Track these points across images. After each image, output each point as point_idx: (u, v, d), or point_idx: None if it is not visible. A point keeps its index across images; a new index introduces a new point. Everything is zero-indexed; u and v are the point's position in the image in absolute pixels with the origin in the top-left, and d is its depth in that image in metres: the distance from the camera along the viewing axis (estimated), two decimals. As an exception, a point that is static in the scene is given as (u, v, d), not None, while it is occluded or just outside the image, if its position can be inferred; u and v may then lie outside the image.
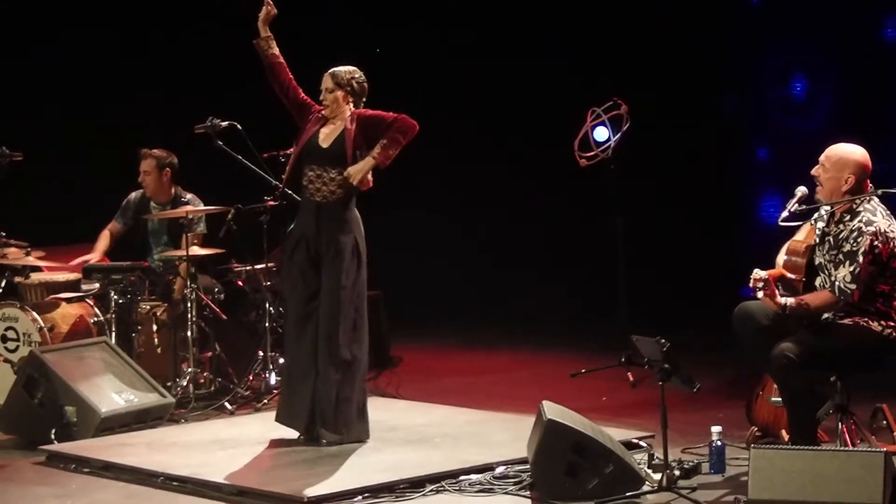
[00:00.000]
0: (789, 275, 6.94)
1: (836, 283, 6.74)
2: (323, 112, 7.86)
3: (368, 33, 12.95)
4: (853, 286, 6.71)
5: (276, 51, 7.89)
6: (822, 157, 6.91)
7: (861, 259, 6.70)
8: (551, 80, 12.49)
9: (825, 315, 6.87)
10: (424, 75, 12.90)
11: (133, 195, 9.83)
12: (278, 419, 7.85)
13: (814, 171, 6.92)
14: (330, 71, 7.88)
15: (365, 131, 7.80)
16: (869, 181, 6.87)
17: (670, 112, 12.00)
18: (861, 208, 6.81)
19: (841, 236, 6.81)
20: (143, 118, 11.50)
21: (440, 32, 13.02)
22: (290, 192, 8.91)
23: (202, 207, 9.62)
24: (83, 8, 11.89)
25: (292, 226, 7.96)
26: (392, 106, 8.20)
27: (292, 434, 7.83)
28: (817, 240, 6.98)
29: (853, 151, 6.88)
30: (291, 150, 9.10)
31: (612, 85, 10.45)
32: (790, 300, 6.74)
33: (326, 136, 7.81)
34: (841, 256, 6.78)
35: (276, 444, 7.75)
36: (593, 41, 12.36)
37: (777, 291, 6.71)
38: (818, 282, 6.94)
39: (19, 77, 11.64)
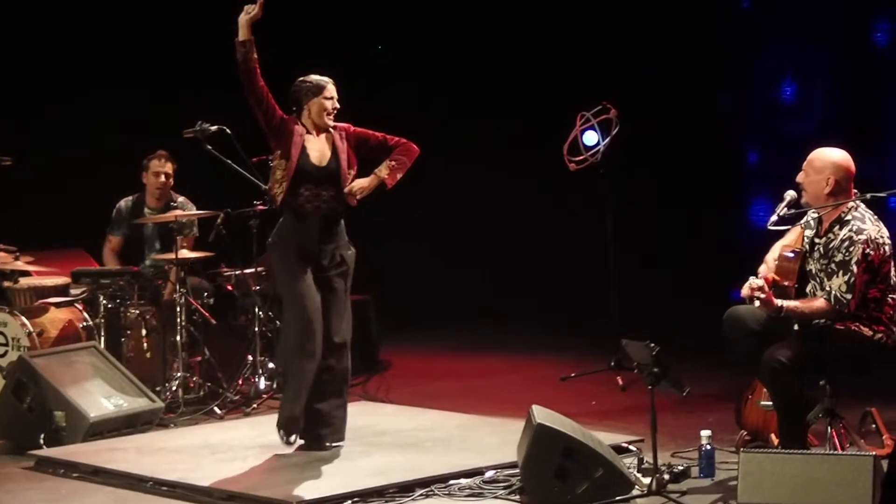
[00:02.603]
0: (780, 280, 6.92)
1: (832, 292, 6.74)
2: (328, 120, 7.67)
3: (363, 34, 12.96)
4: (849, 296, 6.71)
5: (256, 56, 7.56)
6: (804, 163, 6.92)
7: (855, 268, 6.70)
8: (541, 83, 12.50)
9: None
10: (420, 76, 12.90)
11: (122, 204, 9.80)
12: (293, 432, 7.72)
13: (798, 178, 6.93)
14: (328, 79, 7.74)
15: (357, 150, 7.76)
16: (853, 185, 6.87)
17: (661, 115, 12.01)
18: (849, 216, 6.81)
19: (831, 245, 6.81)
20: (136, 120, 11.48)
21: (436, 32, 13.02)
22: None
23: (193, 211, 9.62)
24: (80, 9, 11.87)
25: (279, 239, 7.70)
26: (388, 107, 8.20)
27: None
28: (807, 247, 6.98)
29: (833, 154, 6.89)
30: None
31: (602, 89, 10.44)
32: (787, 302, 6.74)
33: (319, 155, 7.66)
34: (833, 266, 6.78)
35: (266, 448, 7.73)
36: (584, 45, 12.38)
37: (772, 294, 6.71)
38: (808, 288, 6.94)
39: (13, 79, 11.62)
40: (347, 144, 7.72)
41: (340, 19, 12.80)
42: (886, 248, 6.78)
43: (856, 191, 6.88)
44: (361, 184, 7.69)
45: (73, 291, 9.45)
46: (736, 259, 7.87)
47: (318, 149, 7.67)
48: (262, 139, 8.96)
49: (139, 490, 7.18)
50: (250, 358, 9.48)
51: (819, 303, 6.81)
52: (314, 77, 7.71)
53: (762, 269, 7.04)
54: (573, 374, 9.92)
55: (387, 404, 9.30)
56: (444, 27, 13.09)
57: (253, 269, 9.62)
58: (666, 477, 6.76)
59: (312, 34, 12.22)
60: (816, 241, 6.93)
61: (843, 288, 6.72)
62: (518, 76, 12.76)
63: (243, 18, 7.51)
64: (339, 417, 7.75)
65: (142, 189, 9.80)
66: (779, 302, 6.70)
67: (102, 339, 9.15)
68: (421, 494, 6.81)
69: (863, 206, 6.86)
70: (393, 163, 7.74)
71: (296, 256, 7.63)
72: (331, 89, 7.70)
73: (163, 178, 9.68)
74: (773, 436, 7.18)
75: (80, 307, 9.30)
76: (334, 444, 7.70)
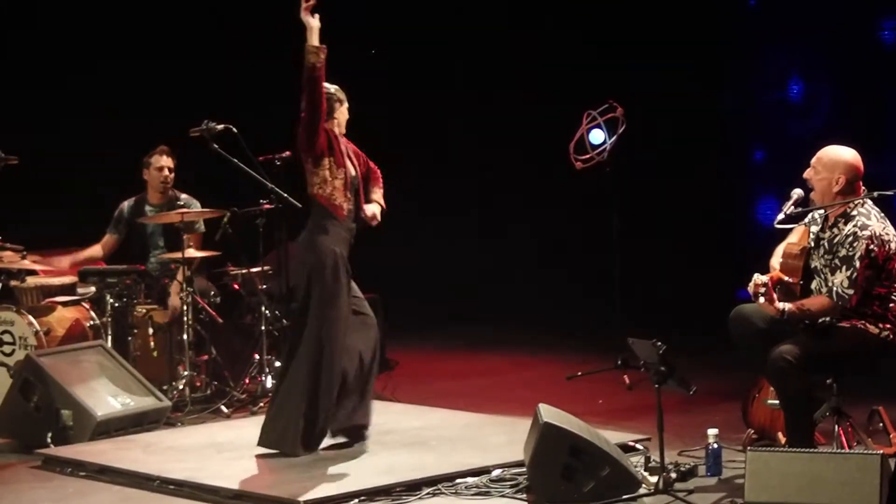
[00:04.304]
0: (786, 278, 6.93)
1: (834, 288, 6.74)
2: (341, 131, 7.73)
3: (361, 34, 12.96)
4: (850, 291, 6.72)
5: None
6: (813, 160, 6.92)
7: (858, 264, 6.70)
8: (547, 81, 12.50)
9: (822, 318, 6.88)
10: (420, 77, 12.90)
11: (125, 204, 9.82)
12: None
13: (806, 174, 6.94)
14: None
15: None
16: (861, 184, 6.88)
17: (667, 114, 12.00)
18: (855, 212, 6.82)
19: (836, 241, 6.82)
20: (141, 120, 11.48)
21: (438, 33, 13.02)
22: (287, 196, 8.93)
23: (198, 209, 9.63)
24: (78, 10, 11.88)
25: (328, 245, 7.55)
26: (389, 109, 8.20)
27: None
28: (812, 243, 6.98)
29: (844, 152, 6.89)
30: (287, 153, 9.10)
31: (608, 87, 10.45)
32: (788, 305, 6.74)
33: (352, 162, 7.74)
34: (837, 261, 6.78)
35: (272, 447, 7.75)
36: (590, 43, 12.37)
37: (775, 296, 6.71)
38: (814, 285, 6.94)
39: (17, 78, 11.63)
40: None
41: (341, 19, 12.81)
42: (892, 245, 6.78)
43: (864, 188, 6.88)
44: (376, 211, 7.80)
45: (79, 290, 9.47)
46: (742, 258, 7.86)
47: (349, 157, 7.73)
48: (267, 139, 8.99)
49: (146, 489, 7.19)
50: (257, 356, 9.48)
51: (821, 300, 6.81)
52: (330, 85, 7.69)
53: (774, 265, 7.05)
54: (579, 373, 9.92)
55: (393, 403, 9.30)
56: (447, 27, 13.08)
57: (259, 269, 9.63)
58: (673, 475, 6.76)
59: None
60: (821, 236, 6.93)
61: (845, 283, 6.73)
62: (522, 75, 12.75)
63: (314, 23, 7.42)
64: None
65: (143, 188, 9.82)
66: (780, 305, 6.71)
67: (109, 337, 9.17)
68: (428, 493, 6.81)
69: (870, 202, 6.86)
70: (381, 191, 7.90)
71: (337, 274, 7.55)
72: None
73: (165, 171, 9.70)
74: (779, 434, 7.18)
75: (87, 306, 9.32)
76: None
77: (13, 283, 9.33)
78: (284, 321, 9.53)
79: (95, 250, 9.75)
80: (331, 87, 7.66)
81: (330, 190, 7.55)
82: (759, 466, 6.23)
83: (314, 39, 7.43)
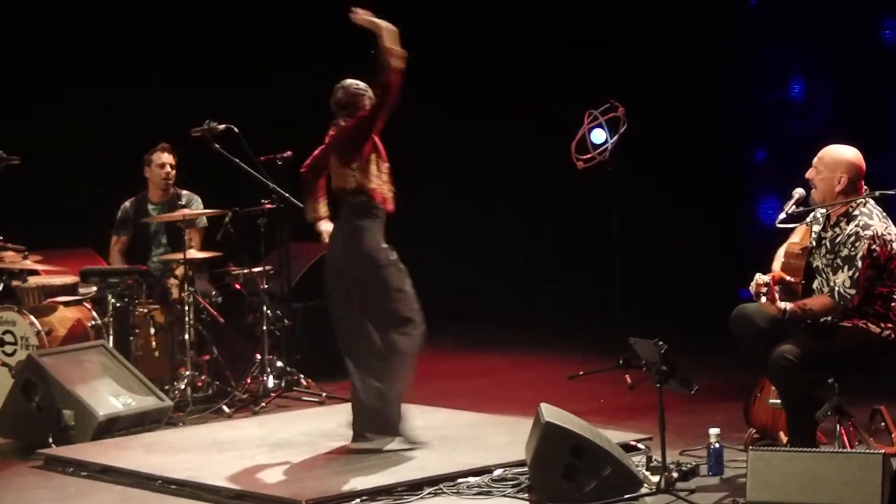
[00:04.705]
0: (788, 277, 6.93)
1: (836, 288, 6.74)
2: None
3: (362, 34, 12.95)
4: (852, 291, 6.71)
5: None
6: (815, 159, 6.93)
7: (860, 264, 6.70)
8: (549, 81, 12.50)
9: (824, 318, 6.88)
10: (422, 76, 12.88)
11: (127, 204, 9.84)
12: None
13: (808, 174, 6.94)
14: None
15: None
16: (863, 183, 6.88)
17: (668, 114, 12.00)
18: (857, 212, 6.82)
19: (838, 240, 6.82)
20: (143, 119, 11.49)
21: (439, 33, 13.01)
22: (289, 196, 8.93)
23: (200, 206, 9.64)
24: (80, 8, 11.88)
25: (382, 241, 7.72)
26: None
27: (289, 437, 7.83)
28: (814, 243, 6.98)
29: (845, 151, 6.89)
30: (289, 153, 9.11)
31: (610, 87, 10.45)
32: (790, 305, 6.74)
33: None
34: (839, 261, 6.78)
35: (274, 447, 7.75)
36: (591, 43, 12.37)
37: (777, 295, 6.71)
38: (816, 285, 6.95)
39: (20, 79, 11.63)
40: None
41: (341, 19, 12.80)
42: (894, 244, 6.78)
43: (866, 187, 6.88)
44: None
45: (81, 290, 9.47)
46: (743, 257, 7.87)
47: None
48: (269, 138, 8.98)
49: (147, 489, 7.18)
50: (258, 356, 9.49)
51: (822, 300, 6.81)
52: (359, 82, 7.70)
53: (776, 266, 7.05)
54: (581, 373, 9.93)
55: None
56: (449, 27, 13.08)
57: (261, 268, 9.64)
58: (674, 475, 6.75)
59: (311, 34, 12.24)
60: (823, 235, 6.93)
61: (847, 283, 6.73)
62: (524, 74, 12.75)
63: (384, 22, 7.48)
64: None
65: (143, 187, 9.84)
66: (782, 304, 6.71)
67: (111, 337, 9.16)
68: (429, 493, 6.81)
69: (871, 202, 6.86)
70: None
71: (399, 262, 7.80)
72: None
73: (167, 168, 9.72)
74: (781, 434, 7.18)
75: (89, 306, 9.31)
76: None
77: (15, 283, 9.33)
78: (286, 321, 9.54)
79: (116, 261, 9.77)
80: (360, 84, 7.69)
81: (378, 183, 7.64)
82: (760, 466, 6.23)
83: (395, 41, 7.47)
